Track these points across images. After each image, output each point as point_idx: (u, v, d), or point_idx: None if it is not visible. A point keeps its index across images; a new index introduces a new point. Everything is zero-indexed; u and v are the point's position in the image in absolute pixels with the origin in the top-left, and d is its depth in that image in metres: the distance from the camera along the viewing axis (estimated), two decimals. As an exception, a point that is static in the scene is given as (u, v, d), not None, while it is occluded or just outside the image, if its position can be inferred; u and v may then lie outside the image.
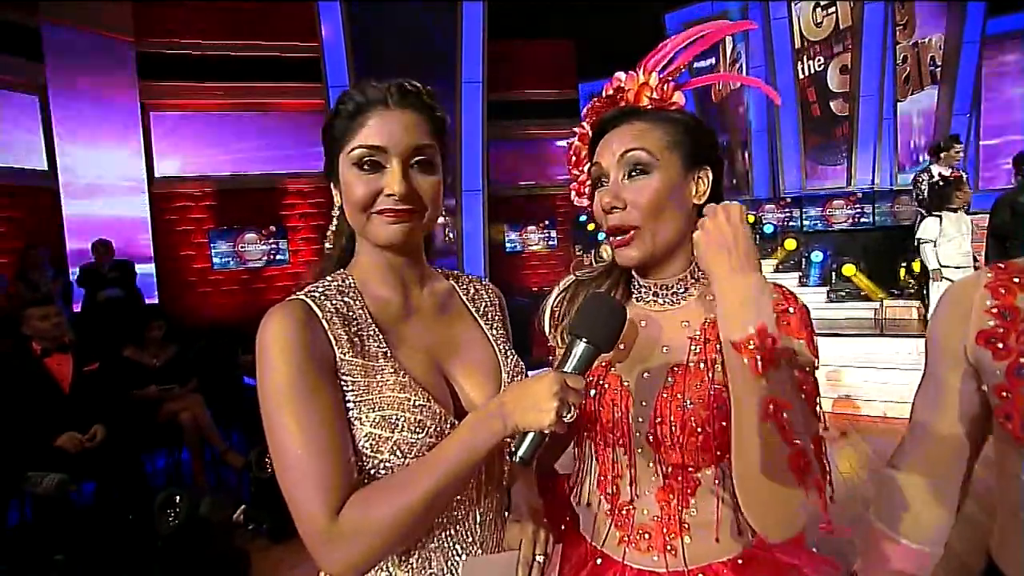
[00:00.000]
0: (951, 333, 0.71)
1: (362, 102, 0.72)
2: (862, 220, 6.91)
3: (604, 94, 0.86)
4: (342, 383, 0.68)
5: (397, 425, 0.67)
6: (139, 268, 6.07)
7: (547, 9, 8.50)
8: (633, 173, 0.78)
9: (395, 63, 6.44)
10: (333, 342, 0.69)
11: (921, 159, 8.34)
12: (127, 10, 6.53)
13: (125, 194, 6.65)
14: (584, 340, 0.67)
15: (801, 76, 7.77)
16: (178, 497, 2.29)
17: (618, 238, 0.80)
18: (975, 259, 4.63)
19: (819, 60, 7.59)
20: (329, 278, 0.76)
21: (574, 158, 0.92)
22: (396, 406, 0.68)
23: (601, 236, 8.39)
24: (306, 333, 0.67)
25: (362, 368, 0.69)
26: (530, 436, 0.64)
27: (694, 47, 0.86)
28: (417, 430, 0.68)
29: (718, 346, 0.76)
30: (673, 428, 0.76)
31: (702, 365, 0.77)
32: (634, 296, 0.87)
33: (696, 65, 9.03)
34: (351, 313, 0.73)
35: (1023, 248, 4.14)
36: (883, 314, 5.65)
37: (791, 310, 0.76)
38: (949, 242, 4.57)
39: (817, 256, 6.36)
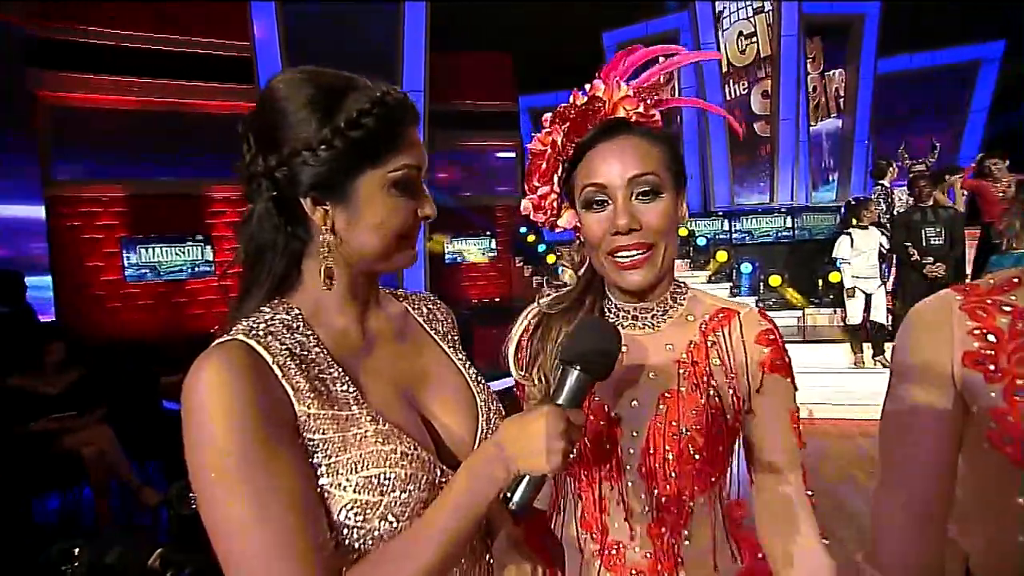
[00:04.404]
0: (935, 357, 0.69)
1: (396, 116, 0.62)
2: (784, 234, 7.43)
3: (574, 102, 0.80)
4: (308, 444, 0.56)
5: (387, 485, 0.57)
6: (32, 281, 5.36)
7: (487, 22, 8.56)
8: (644, 194, 0.75)
9: (333, 68, 6.19)
10: (290, 393, 0.56)
11: (830, 178, 9.15)
12: (21, -9, 5.86)
13: (13, 196, 5.88)
14: (578, 368, 0.61)
15: (728, 98, 8.30)
16: (77, 549, 1.94)
17: (625, 260, 0.75)
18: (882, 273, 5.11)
19: (743, 84, 8.16)
20: (267, 309, 0.62)
21: (543, 165, 0.83)
22: (382, 462, 0.57)
23: (542, 248, 8.55)
24: (253, 385, 0.54)
25: (332, 421, 0.57)
26: (526, 480, 0.57)
27: (659, 67, 0.83)
28: (408, 485, 0.58)
29: (706, 367, 0.75)
30: (668, 457, 0.73)
31: (694, 389, 0.75)
32: (610, 321, 0.83)
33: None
34: (306, 353, 0.60)
35: (921, 261, 4.64)
36: (804, 321, 6.08)
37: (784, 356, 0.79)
38: (858, 256, 5.00)
39: (747, 268, 6.76)
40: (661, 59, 0.83)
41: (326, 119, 0.59)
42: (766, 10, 7.82)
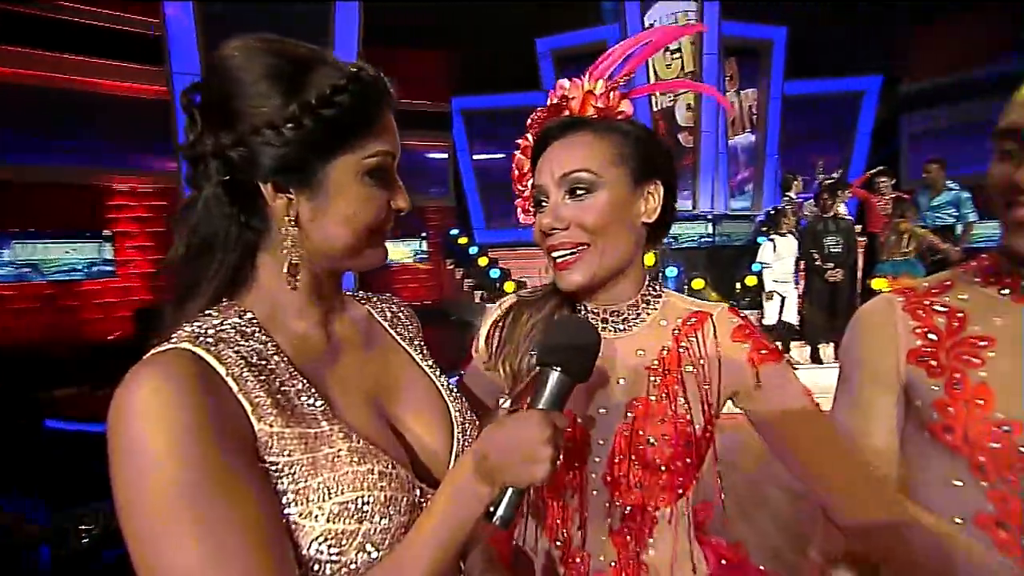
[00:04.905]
0: (881, 355, 0.74)
1: (372, 95, 0.55)
2: (706, 240, 7.92)
3: (548, 103, 0.82)
4: (271, 468, 0.49)
5: (365, 511, 0.50)
6: None
7: (422, 21, 8.43)
8: (576, 192, 0.73)
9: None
10: (248, 409, 0.50)
11: (746, 189, 9.88)
12: None
13: None
14: (558, 370, 0.58)
15: (655, 109, 8.72)
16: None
17: (559, 259, 0.74)
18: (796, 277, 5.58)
19: (669, 96, 8.61)
20: (213, 313, 0.55)
21: (517, 172, 0.87)
22: (358, 484, 0.50)
23: (473, 251, 8.52)
24: (201, 399, 0.46)
25: (299, 440, 0.51)
26: (510, 492, 0.53)
27: (643, 52, 0.84)
28: (388, 510, 0.52)
29: (678, 376, 0.74)
30: (634, 467, 0.72)
31: (663, 398, 0.73)
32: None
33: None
34: (264, 362, 0.53)
35: (822, 269, 5.11)
36: (724, 323, 6.49)
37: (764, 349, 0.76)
38: (779, 261, 5.43)
39: (672, 271, 7.10)
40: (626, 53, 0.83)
41: (292, 94, 0.53)
42: (691, 28, 8.33)
